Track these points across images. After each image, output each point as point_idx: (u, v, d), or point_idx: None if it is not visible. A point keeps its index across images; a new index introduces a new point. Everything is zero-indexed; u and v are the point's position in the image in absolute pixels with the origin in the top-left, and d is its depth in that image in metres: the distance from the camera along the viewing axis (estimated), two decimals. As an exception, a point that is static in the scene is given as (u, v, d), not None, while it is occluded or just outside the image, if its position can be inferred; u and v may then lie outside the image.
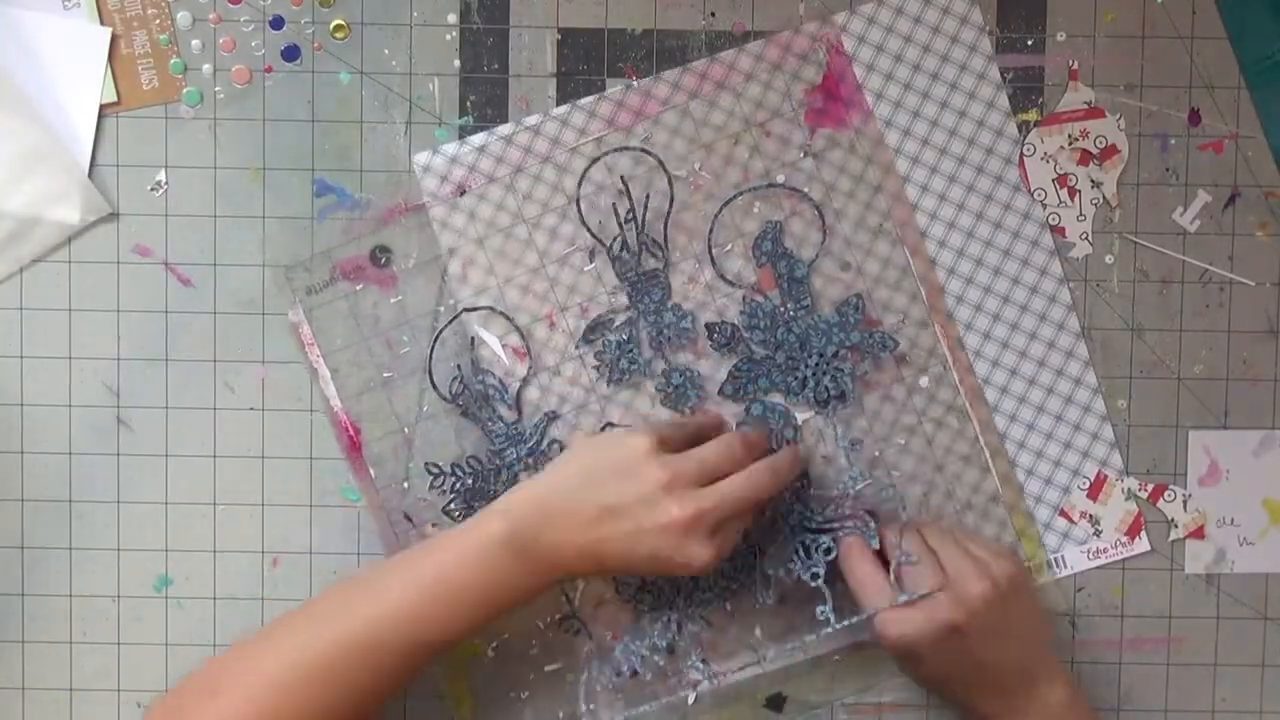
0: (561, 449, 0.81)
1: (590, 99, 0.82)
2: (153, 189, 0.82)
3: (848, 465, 0.81)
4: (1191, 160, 0.83)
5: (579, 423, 0.82)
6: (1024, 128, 0.82)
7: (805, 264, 0.81)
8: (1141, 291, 0.83)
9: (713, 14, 0.82)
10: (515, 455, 0.82)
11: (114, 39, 0.81)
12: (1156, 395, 0.83)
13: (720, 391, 0.81)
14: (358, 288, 0.82)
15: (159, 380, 0.83)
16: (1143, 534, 0.83)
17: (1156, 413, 0.83)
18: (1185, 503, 0.83)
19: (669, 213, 0.82)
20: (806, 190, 0.82)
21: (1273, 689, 0.84)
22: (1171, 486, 0.83)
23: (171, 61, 0.82)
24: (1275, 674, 0.84)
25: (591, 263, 0.81)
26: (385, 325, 0.82)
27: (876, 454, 0.82)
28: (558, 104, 0.82)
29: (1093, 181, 0.82)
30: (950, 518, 0.82)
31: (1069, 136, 0.82)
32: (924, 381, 0.82)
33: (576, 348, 0.82)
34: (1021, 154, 0.82)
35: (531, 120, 0.82)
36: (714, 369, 0.82)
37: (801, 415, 0.82)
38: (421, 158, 0.82)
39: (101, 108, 0.81)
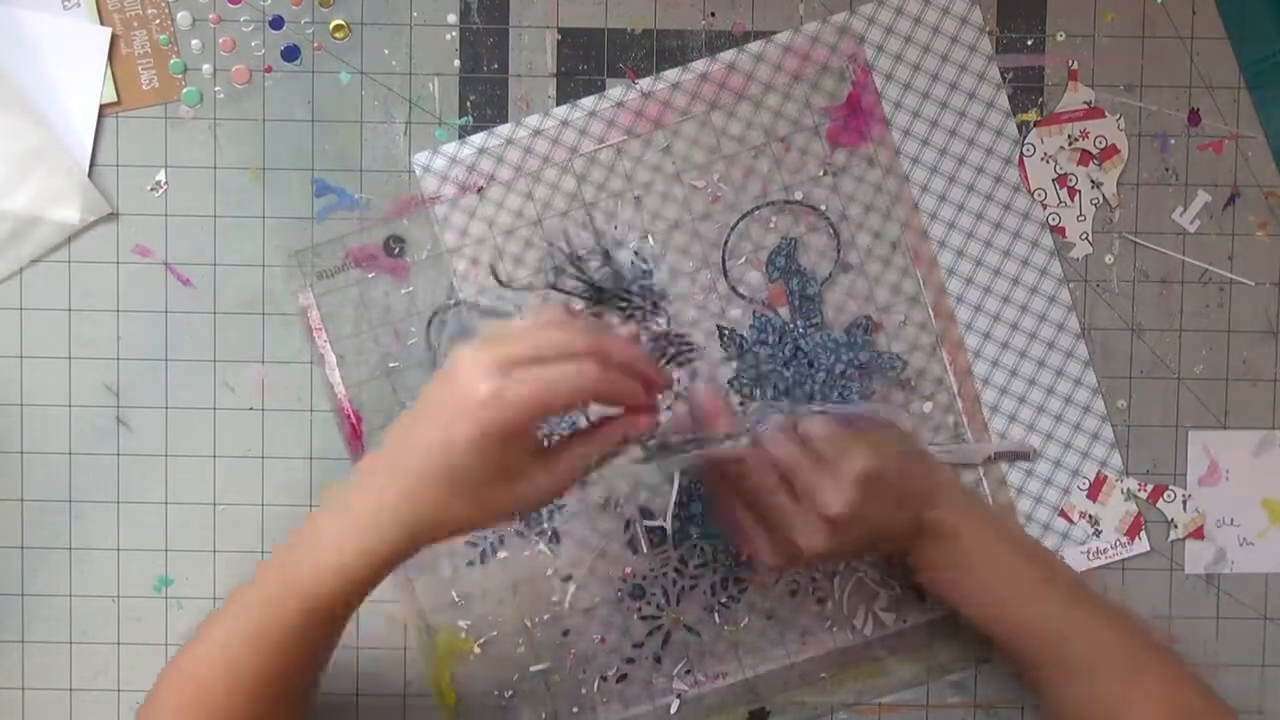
0: None
1: (591, 99, 0.82)
2: (152, 189, 0.82)
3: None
4: (1191, 160, 0.83)
5: (576, 421, 0.82)
6: (1024, 128, 0.82)
7: (818, 282, 0.81)
8: (1141, 291, 0.83)
9: (713, 14, 0.82)
10: None
11: (114, 39, 0.81)
12: (1156, 395, 0.83)
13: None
14: (369, 276, 0.82)
15: (159, 380, 0.83)
16: (1142, 534, 0.83)
17: (1156, 413, 0.83)
18: (1185, 503, 0.83)
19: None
20: (824, 208, 0.82)
21: (1273, 689, 0.84)
22: (1171, 487, 0.83)
23: (171, 61, 0.82)
24: (1275, 674, 0.84)
25: (604, 267, 0.81)
26: (395, 315, 0.82)
27: None
28: (557, 104, 0.82)
29: (1093, 181, 0.82)
30: None
31: (1069, 137, 0.82)
32: (927, 407, 0.82)
33: None
34: (1021, 154, 0.82)
35: (532, 120, 0.82)
36: (715, 368, 0.82)
37: None
38: (421, 158, 0.82)
39: (101, 108, 0.81)
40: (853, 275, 0.82)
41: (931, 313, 0.82)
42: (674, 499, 0.80)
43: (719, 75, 0.82)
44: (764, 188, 0.82)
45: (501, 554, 0.82)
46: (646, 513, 0.82)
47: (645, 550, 0.82)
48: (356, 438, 0.82)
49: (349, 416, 0.82)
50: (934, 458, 0.79)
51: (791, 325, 0.81)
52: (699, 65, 0.82)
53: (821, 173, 0.82)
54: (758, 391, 0.81)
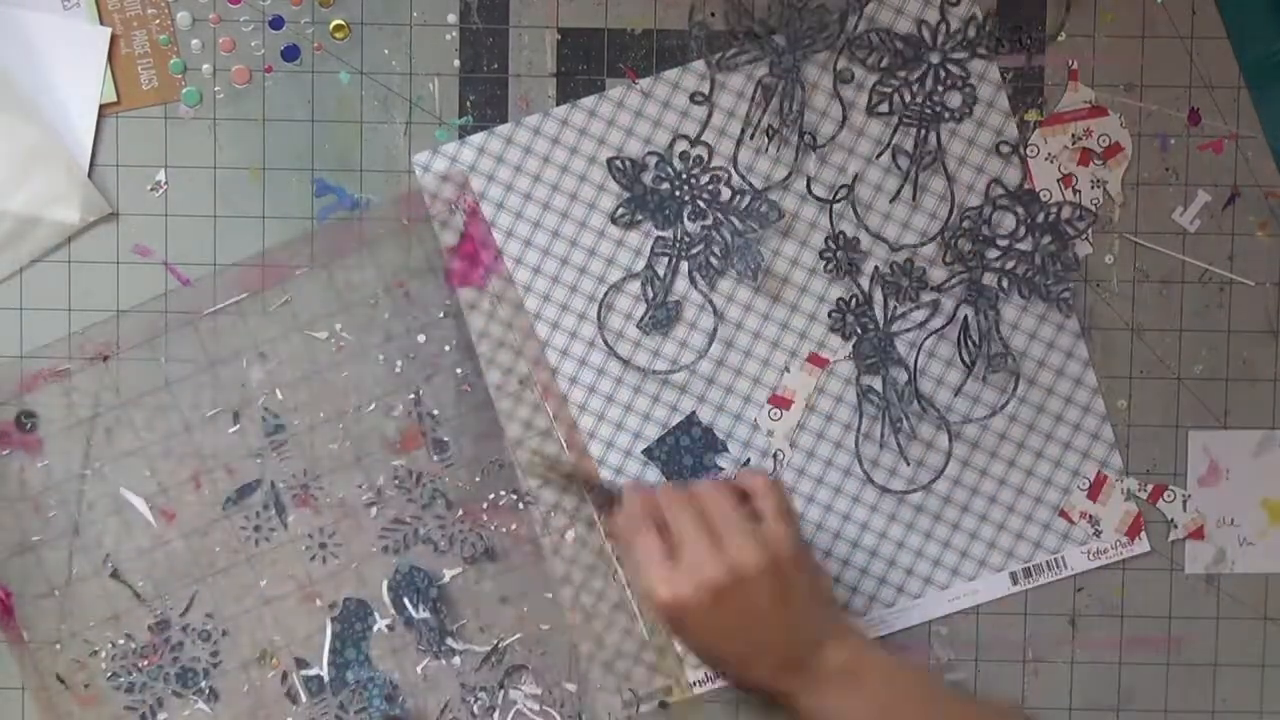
0: (212, 623, 0.81)
1: (591, 99, 0.82)
2: (152, 189, 0.82)
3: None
4: (1191, 160, 0.83)
5: (227, 588, 0.82)
6: (1025, 127, 0.82)
7: (450, 423, 0.82)
8: (1141, 291, 0.83)
9: (712, 14, 0.82)
10: (174, 628, 0.82)
11: (114, 39, 0.81)
12: (1156, 395, 0.83)
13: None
14: (4, 452, 0.81)
15: (159, 380, 0.82)
16: (1143, 534, 0.83)
17: (1156, 413, 0.83)
18: (1185, 503, 0.83)
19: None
20: (449, 347, 0.81)
21: (1273, 689, 0.84)
22: (1171, 487, 0.83)
23: (171, 61, 0.81)
24: (1275, 674, 0.84)
25: (236, 424, 0.81)
26: (32, 489, 0.81)
27: (524, 610, 0.82)
28: (557, 104, 0.82)
29: (1094, 181, 0.82)
30: (598, 665, 0.83)
31: (1072, 136, 0.82)
32: (570, 535, 0.82)
33: (224, 508, 0.82)
34: (1024, 154, 0.82)
35: (532, 120, 0.82)
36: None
37: (450, 572, 0.82)
38: (421, 158, 0.82)
39: (101, 108, 0.81)
40: (497, 430, 0.82)
41: (568, 452, 0.82)
42: (328, 645, 0.81)
43: (344, 231, 0.82)
44: (386, 334, 0.82)
45: (162, 715, 0.82)
46: (302, 662, 0.82)
47: (305, 700, 0.82)
48: (6, 612, 0.81)
49: None
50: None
51: (430, 472, 0.82)
52: (331, 227, 0.81)
53: (441, 314, 0.81)
54: (403, 546, 0.82)
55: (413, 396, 0.82)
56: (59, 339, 0.81)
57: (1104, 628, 0.83)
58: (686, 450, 0.83)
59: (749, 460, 0.83)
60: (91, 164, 0.81)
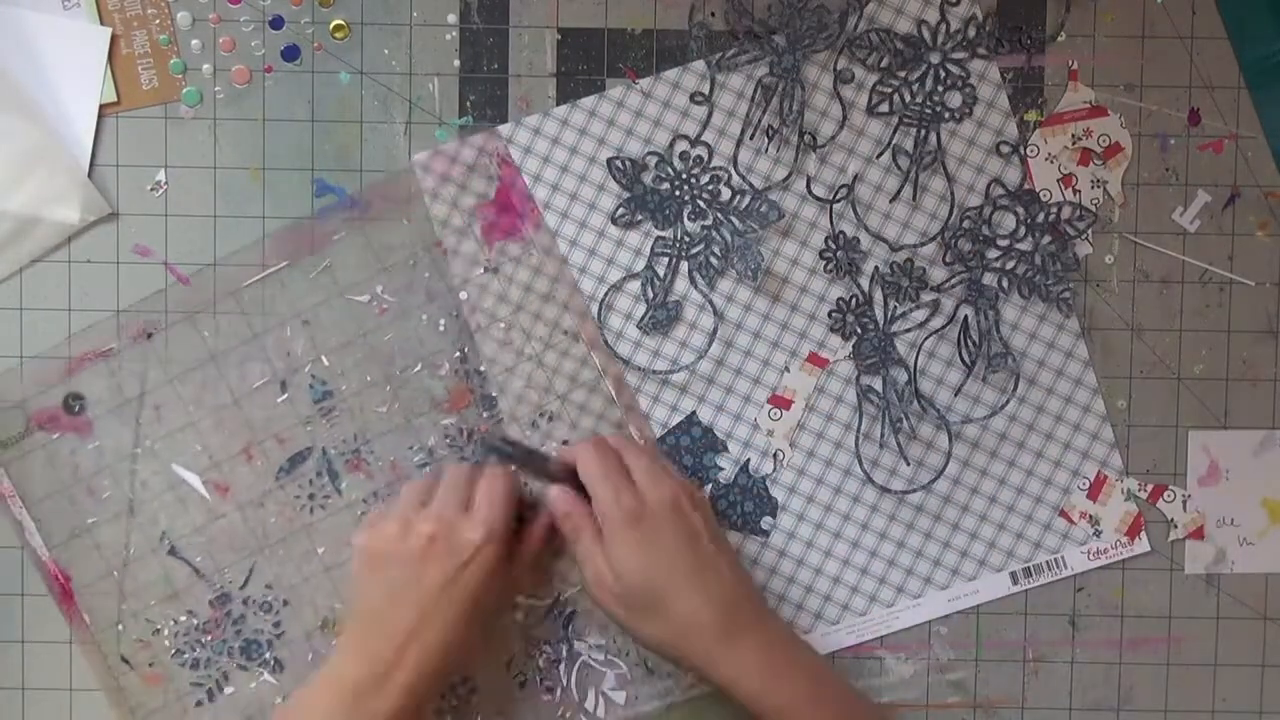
0: (272, 594, 0.82)
1: (591, 99, 0.82)
2: (152, 189, 0.82)
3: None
4: (1191, 160, 0.83)
5: (288, 555, 0.82)
6: (1025, 127, 0.82)
7: (496, 381, 0.82)
8: (1141, 291, 0.83)
9: (712, 14, 0.82)
10: (234, 601, 0.82)
11: (114, 39, 0.81)
12: (1156, 395, 0.83)
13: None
14: (54, 437, 0.81)
15: (159, 380, 0.82)
16: (1142, 534, 0.83)
17: (1156, 413, 0.83)
18: (1185, 503, 0.83)
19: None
20: (491, 302, 0.81)
21: (1273, 689, 0.84)
22: (1171, 487, 0.83)
23: (171, 61, 0.81)
24: (1275, 674, 0.84)
25: (284, 394, 0.81)
26: (85, 472, 0.81)
27: None
28: (557, 104, 0.82)
29: (1094, 181, 0.82)
30: None
31: (1072, 136, 0.82)
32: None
33: (277, 478, 0.82)
34: (1025, 155, 0.82)
35: (532, 120, 0.82)
36: None
37: None
38: (421, 158, 0.82)
39: (101, 108, 0.81)
40: (542, 382, 0.82)
41: (616, 399, 0.82)
42: None
43: (385, 190, 0.81)
44: (427, 293, 0.82)
45: (228, 689, 0.82)
46: None
47: None
48: (67, 596, 0.81)
49: (57, 577, 0.81)
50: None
51: (480, 427, 0.82)
52: (379, 185, 0.81)
53: (481, 270, 0.81)
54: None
55: (458, 354, 0.82)
56: (105, 319, 0.81)
57: (1104, 628, 0.83)
58: (686, 450, 0.83)
59: (749, 460, 0.83)
60: (91, 164, 0.81)
